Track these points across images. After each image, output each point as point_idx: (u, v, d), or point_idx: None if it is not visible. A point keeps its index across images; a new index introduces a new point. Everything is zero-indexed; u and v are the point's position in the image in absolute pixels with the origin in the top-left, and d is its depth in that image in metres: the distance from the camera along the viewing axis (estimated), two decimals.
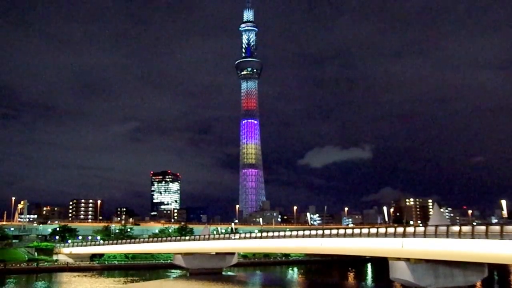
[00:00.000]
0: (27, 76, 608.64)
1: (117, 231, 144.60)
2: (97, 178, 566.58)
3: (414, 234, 57.48)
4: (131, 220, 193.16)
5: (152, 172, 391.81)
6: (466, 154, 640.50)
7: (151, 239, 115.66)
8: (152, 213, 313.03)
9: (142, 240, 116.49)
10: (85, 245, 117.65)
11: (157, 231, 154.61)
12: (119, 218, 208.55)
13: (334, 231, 71.41)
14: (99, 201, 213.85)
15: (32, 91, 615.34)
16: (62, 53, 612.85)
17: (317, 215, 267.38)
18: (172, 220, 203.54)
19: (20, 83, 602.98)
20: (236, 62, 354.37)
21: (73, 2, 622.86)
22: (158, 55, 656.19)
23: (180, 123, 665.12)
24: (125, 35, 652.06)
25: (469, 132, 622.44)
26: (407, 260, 57.85)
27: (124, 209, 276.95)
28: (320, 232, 73.99)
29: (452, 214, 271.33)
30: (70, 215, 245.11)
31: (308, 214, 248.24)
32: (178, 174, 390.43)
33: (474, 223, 66.13)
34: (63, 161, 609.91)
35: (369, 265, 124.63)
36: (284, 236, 79.95)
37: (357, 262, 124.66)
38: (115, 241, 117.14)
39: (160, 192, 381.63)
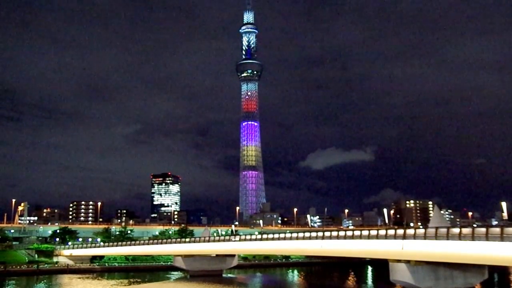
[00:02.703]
0: (30, 78, 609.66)
1: (117, 233, 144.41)
2: (97, 180, 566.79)
3: (415, 236, 57.49)
4: (131, 222, 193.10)
5: (152, 174, 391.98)
6: (467, 156, 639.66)
7: (151, 241, 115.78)
8: (153, 215, 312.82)
9: (142, 242, 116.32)
10: (86, 247, 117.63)
11: (157, 233, 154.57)
12: (119, 220, 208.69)
13: (334, 233, 71.35)
14: (99, 203, 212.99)
15: (35, 93, 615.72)
16: (65, 55, 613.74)
17: (318, 217, 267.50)
18: (173, 222, 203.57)
19: (24, 85, 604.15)
20: (237, 64, 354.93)
21: (77, 4, 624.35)
22: (160, 58, 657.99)
23: (181, 125, 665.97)
24: (128, 38, 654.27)
25: (470, 134, 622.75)
26: (408, 262, 57.90)
27: (125, 211, 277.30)
28: (320, 234, 73.92)
29: (452, 216, 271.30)
30: (70, 217, 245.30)
31: (308, 216, 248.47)
32: (178, 176, 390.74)
33: (474, 225, 66.23)
34: (63, 163, 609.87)
35: (369, 267, 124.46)
36: (284, 238, 79.89)
37: (357, 264, 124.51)
38: (115, 243, 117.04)
39: (161, 194, 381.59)
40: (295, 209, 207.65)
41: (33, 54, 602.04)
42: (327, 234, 72.58)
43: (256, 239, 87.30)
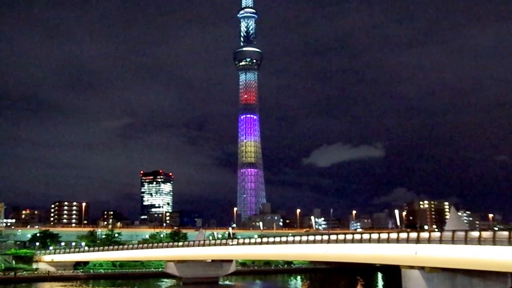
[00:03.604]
0: (8, 67, 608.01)
1: (103, 236, 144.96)
2: (82, 179, 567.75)
3: (429, 240, 57.52)
4: (119, 224, 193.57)
5: (142, 172, 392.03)
6: (488, 152, 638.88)
7: (140, 245, 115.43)
8: (142, 217, 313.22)
9: (131, 246, 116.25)
10: (69, 252, 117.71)
11: (147, 236, 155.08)
12: (106, 222, 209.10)
13: (341, 237, 71.41)
14: (84, 204, 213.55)
15: (13, 84, 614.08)
16: (48, 41, 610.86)
17: (323, 218, 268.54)
18: (164, 225, 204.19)
19: (0, 76, 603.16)
20: (234, 52, 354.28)
21: None
22: (152, 45, 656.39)
23: (173, 119, 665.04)
24: (115, 24, 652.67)
25: (491, 128, 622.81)
26: (422, 268, 58.07)
27: (112, 213, 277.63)
28: (325, 237, 73.90)
29: (471, 218, 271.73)
30: (52, 219, 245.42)
31: (312, 217, 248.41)
32: (170, 174, 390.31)
33: (496, 228, 66.10)
34: (45, 160, 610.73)
35: (379, 274, 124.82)
36: (286, 242, 79.95)
37: (366, 271, 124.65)
38: (101, 248, 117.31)
39: (151, 194, 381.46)
40: (298, 210, 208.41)
41: (12, 40, 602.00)
42: (333, 237, 72.60)
43: (255, 243, 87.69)
